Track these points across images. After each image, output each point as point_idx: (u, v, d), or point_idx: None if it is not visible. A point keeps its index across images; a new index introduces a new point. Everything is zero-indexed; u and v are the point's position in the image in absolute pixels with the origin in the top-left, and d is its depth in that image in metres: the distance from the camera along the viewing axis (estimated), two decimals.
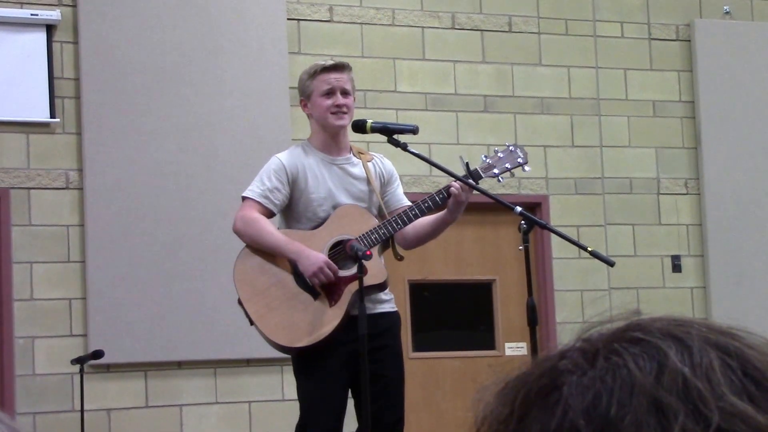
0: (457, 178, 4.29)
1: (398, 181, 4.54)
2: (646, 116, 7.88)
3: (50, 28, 6.67)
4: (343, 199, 4.36)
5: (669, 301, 7.67)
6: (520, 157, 4.45)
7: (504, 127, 7.54)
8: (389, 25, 7.39)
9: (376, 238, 4.28)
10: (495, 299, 7.48)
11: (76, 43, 6.71)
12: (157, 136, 6.73)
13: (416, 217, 4.29)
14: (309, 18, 7.24)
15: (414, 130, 4.30)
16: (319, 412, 4.24)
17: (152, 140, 6.72)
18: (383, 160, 4.53)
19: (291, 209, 4.37)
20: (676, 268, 7.77)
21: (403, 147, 4.25)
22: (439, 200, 4.28)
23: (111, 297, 6.53)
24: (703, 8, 8.10)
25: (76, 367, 6.07)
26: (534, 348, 4.21)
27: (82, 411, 6.01)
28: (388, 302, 4.38)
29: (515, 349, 7.39)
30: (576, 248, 4.90)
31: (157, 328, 6.57)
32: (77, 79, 6.68)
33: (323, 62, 4.51)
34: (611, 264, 4.28)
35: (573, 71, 7.73)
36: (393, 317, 4.39)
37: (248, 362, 6.69)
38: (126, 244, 6.58)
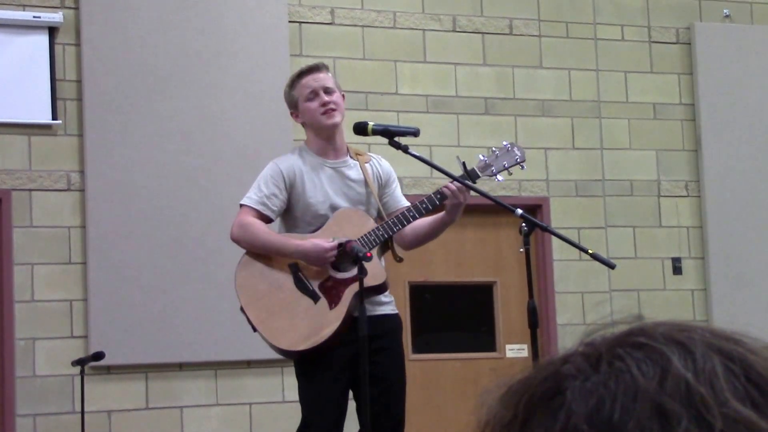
0: (455, 179, 4.27)
1: (396, 182, 4.52)
2: (647, 119, 7.87)
3: (52, 31, 6.67)
4: (341, 202, 4.34)
5: (669, 303, 7.66)
6: (517, 155, 4.44)
7: (505, 130, 7.52)
8: (390, 27, 7.38)
9: (374, 239, 4.27)
10: (496, 301, 7.46)
11: (78, 45, 6.70)
12: (158, 138, 6.72)
13: (414, 218, 4.28)
14: (310, 20, 7.23)
15: (415, 133, 4.29)
16: (320, 415, 4.23)
17: (154, 142, 6.71)
18: (381, 161, 4.50)
19: (289, 214, 4.36)
20: (677, 270, 7.76)
21: (404, 149, 4.24)
22: (438, 201, 4.28)
23: (112, 298, 6.51)
24: (703, 11, 8.10)
25: (77, 369, 6.05)
26: (535, 350, 4.20)
27: (82, 412, 6.00)
28: (388, 304, 4.37)
29: (516, 351, 7.37)
30: (576, 250, 4.88)
31: (158, 329, 6.56)
32: (79, 81, 6.67)
33: (299, 70, 4.51)
34: (612, 266, 4.28)
35: (573, 74, 7.73)
36: (394, 320, 4.38)
37: (249, 364, 6.68)
38: (127, 245, 6.57)
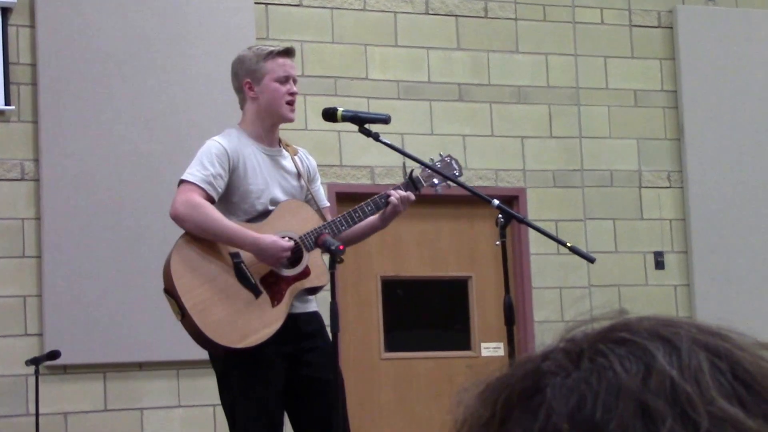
0: (433, 170, 4.35)
1: (320, 180, 4.52)
2: (627, 106, 7.84)
3: (5, 11, 6.56)
4: (277, 192, 4.26)
5: (652, 299, 7.63)
6: (455, 169, 4.50)
7: (479, 117, 7.49)
8: (360, 9, 7.33)
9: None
10: (471, 297, 7.39)
11: (32, 26, 6.61)
12: (118, 124, 6.63)
13: (359, 219, 4.29)
14: (277, 2, 7.16)
15: (386, 120, 4.30)
16: (259, 421, 4.11)
17: (113, 129, 6.62)
18: (308, 156, 4.47)
19: (226, 199, 4.22)
20: (659, 264, 7.71)
21: (375, 137, 4.22)
22: (382, 204, 4.30)
23: (68, 294, 6.43)
24: None
25: (31, 369, 6.00)
26: (511, 348, 4.21)
27: (36, 415, 5.94)
28: (311, 302, 4.32)
29: (492, 349, 7.32)
30: (554, 244, 4.99)
31: (116, 327, 6.48)
32: (34, 65, 6.58)
33: (272, 47, 4.39)
34: (591, 260, 4.34)
35: (551, 59, 7.69)
36: (320, 318, 4.32)
37: None
38: (84, 238, 6.49)
